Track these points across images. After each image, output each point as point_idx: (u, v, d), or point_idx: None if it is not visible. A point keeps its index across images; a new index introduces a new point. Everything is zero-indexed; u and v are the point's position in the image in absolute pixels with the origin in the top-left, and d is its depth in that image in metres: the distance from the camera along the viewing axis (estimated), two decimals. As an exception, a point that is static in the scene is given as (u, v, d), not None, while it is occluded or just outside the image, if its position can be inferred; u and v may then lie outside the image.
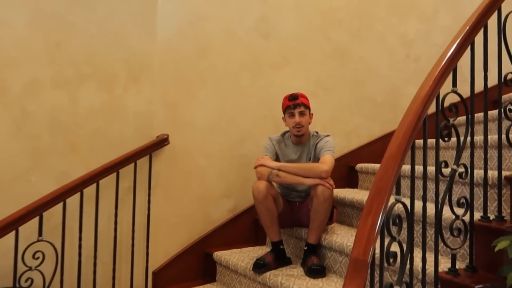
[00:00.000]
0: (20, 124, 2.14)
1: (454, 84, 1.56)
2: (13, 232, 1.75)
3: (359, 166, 2.86)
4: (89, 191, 2.08)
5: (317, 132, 2.36)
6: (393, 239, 1.23)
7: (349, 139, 3.02)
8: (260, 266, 2.07)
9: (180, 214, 2.45)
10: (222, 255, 2.37)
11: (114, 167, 2.13)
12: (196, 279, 2.44)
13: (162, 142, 2.33)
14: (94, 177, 2.04)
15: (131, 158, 2.20)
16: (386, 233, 1.22)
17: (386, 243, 1.21)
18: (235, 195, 2.65)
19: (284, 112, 2.33)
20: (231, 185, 2.64)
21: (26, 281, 1.77)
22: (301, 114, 2.25)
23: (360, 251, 1.04)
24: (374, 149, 3.05)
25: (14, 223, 1.73)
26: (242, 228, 2.61)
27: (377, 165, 2.71)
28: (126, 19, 2.35)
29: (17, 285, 1.76)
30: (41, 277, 1.83)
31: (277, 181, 2.18)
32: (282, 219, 2.24)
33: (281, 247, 2.17)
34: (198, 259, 2.47)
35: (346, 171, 2.92)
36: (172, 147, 2.40)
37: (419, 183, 2.03)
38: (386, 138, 3.07)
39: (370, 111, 3.11)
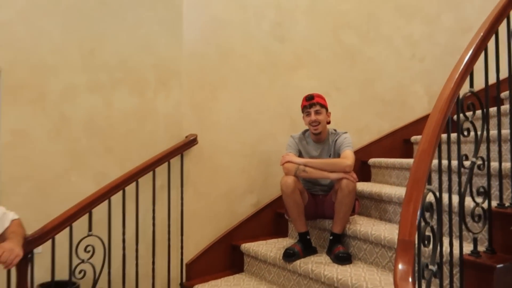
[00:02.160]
0: (59, 128, 2.27)
1: (471, 85, 1.72)
2: (67, 229, 1.88)
3: (372, 160, 3.03)
4: (129, 189, 2.21)
5: (335, 130, 2.52)
6: (427, 224, 1.39)
7: (361, 136, 3.19)
8: (290, 255, 2.23)
9: (209, 209, 2.60)
10: (250, 247, 2.53)
11: (150, 166, 2.27)
12: (225, 270, 2.59)
13: (191, 142, 2.48)
14: (134, 176, 2.18)
15: (165, 158, 2.34)
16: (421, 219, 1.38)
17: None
18: (258, 190, 2.80)
19: (302, 111, 2.49)
20: (253, 181, 2.79)
21: (79, 272, 1.91)
22: (317, 112, 2.41)
23: (406, 233, 1.20)
24: (383, 145, 3.23)
25: (68, 220, 1.86)
26: (265, 221, 2.77)
27: (389, 160, 2.89)
28: (154, 27, 2.48)
29: (73, 277, 1.90)
30: (92, 269, 1.96)
31: (304, 176, 2.34)
32: (307, 212, 2.40)
33: (307, 237, 2.34)
34: (226, 251, 2.62)
35: (358, 166, 3.09)
36: (200, 146, 2.54)
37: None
38: (395, 134, 3.26)
39: (380, 109, 3.28)
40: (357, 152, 3.11)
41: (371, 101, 3.26)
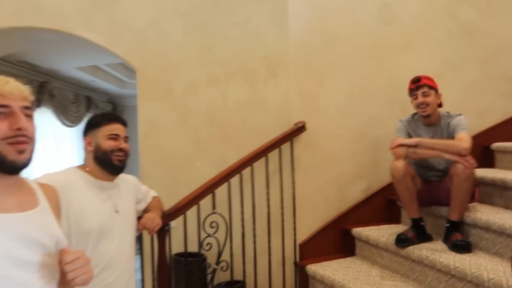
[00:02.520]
0: (185, 119, 2.57)
1: None
2: (195, 207, 2.14)
3: (496, 145, 2.79)
4: (245, 173, 2.40)
5: (448, 112, 2.38)
6: None
7: (482, 119, 2.95)
8: (402, 241, 2.20)
9: (319, 194, 2.68)
10: (361, 231, 2.54)
11: (263, 152, 2.43)
12: (336, 253, 2.65)
13: (300, 129, 2.57)
14: (249, 161, 2.36)
15: (276, 144, 2.48)
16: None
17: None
18: (368, 176, 2.79)
19: (409, 95, 2.40)
20: (363, 167, 2.79)
21: (206, 245, 2.17)
22: (424, 94, 2.30)
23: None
24: (510, 128, 2.93)
25: (196, 199, 2.12)
26: (376, 207, 2.75)
27: (517, 143, 2.63)
28: (262, 20, 2.63)
29: (201, 249, 2.16)
30: (216, 242, 2.20)
31: (414, 158, 2.27)
32: (420, 198, 2.32)
33: (421, 223, 2.27)
34: (336, 235, 2.68)
35: (479, 151, 2.86)
36: (308, 133, 2.63)
37: None
38: (524, 116, 2.94)
39: (504, 88, 2.98)
40: (477, 137, 2.90)
41: (494, 80, 2.98)
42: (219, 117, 2.59)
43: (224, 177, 2.25)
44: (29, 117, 1.01)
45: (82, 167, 1.59)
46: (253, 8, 2.61)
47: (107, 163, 1.54)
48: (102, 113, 1.72)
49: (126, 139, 1.59)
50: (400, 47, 2.88)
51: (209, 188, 2.18)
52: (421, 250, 2.11)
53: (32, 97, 1.04)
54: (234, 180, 2.33)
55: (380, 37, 2.84)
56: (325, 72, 2.73)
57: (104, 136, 1.55)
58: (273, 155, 2.51)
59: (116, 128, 1.57)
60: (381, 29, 2.84)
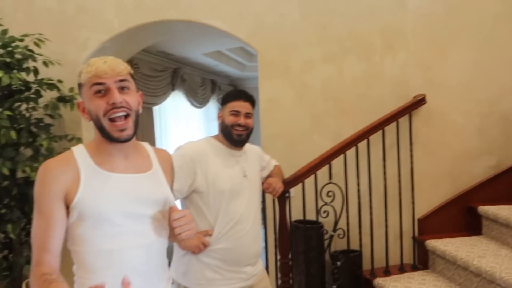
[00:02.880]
0: (302, 95, 2.70)
1: None
2: (313, 176, 2.28)
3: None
4: (361, 146, 2.45)
5: None
6: None
7: None
8: (538, 219, 2.02)
9: (440, 169, 2.58)
10: (489, 209, 2.39)
11: (379, 126, 2.43)
12: (459, 231, 2.55)
13: (419, 102, 2.50)
14: (365, 134, 2.40)
15: (393, 118, 2.46)
16: None
17: None
18: (497, 152, 2.59)
19: None
20: (492, 142, 2.59)
21: (324, 213, 2.30)
22: None
23: None
24: None
25: (313, 169, 2.25)
26: (507, 185, 2.55)
27: None
28: (379, -8, 2.59)
29: (318, 217, 2.30)
30: (333, 211, 2.32)
31: None
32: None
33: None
34: (460, 212, 2.56)
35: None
36: (428, 106, 2.54)
37: None
38: None
39: None
40: None
41: None
42: (335, 92, 2.66)
43: (340, 149, 2.33)
44: (126, 88, 1.10)
45: (216, 136, 1.83)
46: (369, -19, 2.59)
47: (228, 136, 1.74)
48: (233, 90, 1.92)
49: (248, 115, 1.75)
50: (541, 8, 2.56)
51: (326, 159, 2.29)
52: (562, 230, 1.92)
53: (127, 71, 1.11)
54: (350, 153, 2.39)
55: (514, -2, 2.56)
56: (447, 42, 2.58)
57: (228, 111, 1.75)
58: (390, 128, 2.49)
59: (238, 105, 1.74)
60: (517, -11, 2.56)
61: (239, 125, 1.72)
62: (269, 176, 2.00)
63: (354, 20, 2.62)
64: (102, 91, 1.07)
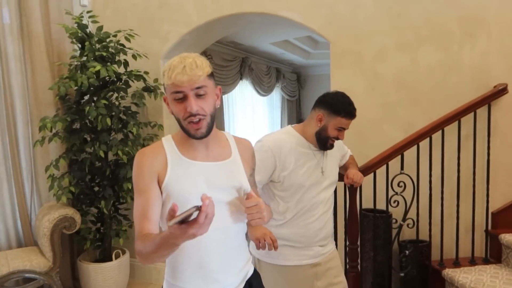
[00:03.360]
0: (373, 84, 2.72)
1: None
2: (384, 166, 2.33)
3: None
4: (435, 137, 2.43)
5: None
6: None
7: None
8: None
9: (520, 162, 2.50)
10: None
11: (455, 116, 2.40)
12: (537, 226, 2.46)
13: (500, 91, 2.42)
14: (440, 125, 2.38)
15: (471, 108, 2.41)
16: None
17: None
18: None
19: None
20: None
21: (394, 202, 2.34)
22: None
23: None
24: None
25: (385, 159, 2.30)
26: None
27: None
28: (460, -22, 2.50)
29: (388, 206, 2.35)
30: (403, 201, 2.35)
31: None
32: None
33: None
34: (539, 207, 2.47)
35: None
36: (510, 96, 2.44)
37: None
38: None
39: None
40: None
41: None
42: (408, 82, 2.64)
43: (413, 140, 2.34)
44: (202, 95, 1.17)
45: (299, 128, 1.87)
46: (449, -34, 2.51)
47: (323, 144, 1.80)
48: (345, 102, 1.83)
49: (345, 130, 1.82)
50: None
51: (398, 150, 2.31)
52: None
53: (205, 75, 1.17)
54: (423, 144, 2.40)
55: None
56: (535, 27, 2.44)
57: (334, 125, 1.78)
58: (467, 119, 2.45)
59: (347, 123, 1.80)
60: None
61: (337, 138, 1.80)
62: (345, 165, 2.07)
63: (431, 7, 2.56)
64: (181, 98, 1.17)
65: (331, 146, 1.83)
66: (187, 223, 0.93)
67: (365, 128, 2.72)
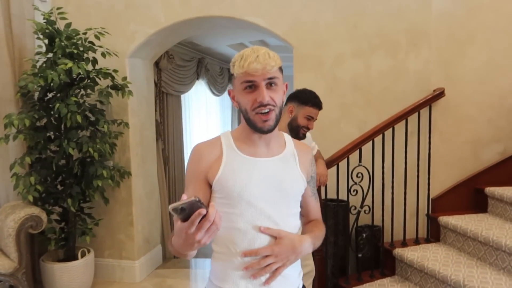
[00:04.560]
0: (332, 87, 3.02)
1: None
2: (345, 159, 2.62)
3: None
4: (387, 133, 2.77)
5: None
6: None
7: None
8: (540, 198, 2.38)
9: (453, 154, 2.93)
10: (495, 190, 2.75)
11: (403, 116, 2.76)
12: (467, 209, 2.91)
13: (438, 95, 2.82)
14: (390, 123, 2.73)
15: (415, 109, 2.79)
16: None
17: None
18: (505, 140, 2.93)
19: None
20: (500, 131, 2.93)
21: (353, 191, 2.65)
22: None
23: None
24: None
25: (346, 153, 2.59)
26: (512, 170, 2.90)
27: None
28: (406, -5, 2.87)
29: (349, 195, 2.65)
30: (361, 190, 2.67)
31: None
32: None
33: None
34: (469, 193, 2.92)
35: None
36: (446, 98, 2.86)
37: None
38: None
39: None
40: None
41: None
42: (362, 85, 2.97)
43: (369, 136, 2.67)
44: (274, 85, 1.15)
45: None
46: (397, -16, 2.87)
47: (295, 132, 2.08)
48: (311, 94, 2.14)
49: (314, 120, 2.11)
50: (551, 11, 2.86)
51: (357, 145, 2.62)
52: (559, 208, 2.28)
53: (277, 66, 1.16)
54: (377, 139, 2.73)
55: (527, 1, 2.86)
56: (466, 40, 2.89)
57: (303, 114, 2.08)
58: (412, 118, 2.82)
59: (315, 112, 2.11)
60: (529, -6, 2.85)
61: (308, 127, 2.06)
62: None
63: (382, 20, 2.91)
64: (252, 86, 1.14)
65: (304, 136, 2.08)
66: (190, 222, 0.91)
67: (326, 126, 3.01)
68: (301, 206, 1.28)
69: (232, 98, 1.23)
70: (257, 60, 1.12)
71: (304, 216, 1.34)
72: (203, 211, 0.90)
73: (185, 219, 0.91)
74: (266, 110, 1.14)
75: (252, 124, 1.17)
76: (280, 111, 1.18)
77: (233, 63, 1.17)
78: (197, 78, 5.07)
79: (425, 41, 2.88)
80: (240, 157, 1.19)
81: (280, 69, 1.19)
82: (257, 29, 3.26)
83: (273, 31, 3.06)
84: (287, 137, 1.32)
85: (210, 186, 1.19)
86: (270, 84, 1.14)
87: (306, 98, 2.09)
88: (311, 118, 2.09)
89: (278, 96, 1.16)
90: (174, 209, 0.89)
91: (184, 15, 3.16)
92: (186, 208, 0.89)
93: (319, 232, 1.29)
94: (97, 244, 3.41)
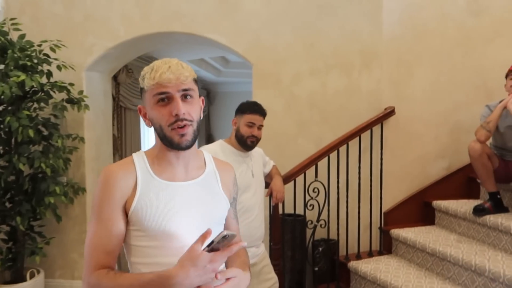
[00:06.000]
0: (290, 104, 3.11)
1: None
2: (302, 175, 2.69)
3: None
4: (341, 149, 2.88)
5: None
6: None
7: None
8: (479, 210, 2.55)
9: (404, 170, 3.08)
10: (441, 203, 2.92)
11: (357, 133, 2.88)
12: (417, 222, 3.06)
13: (389, 113, 2.98)
14: (345, 140, 2.84)
15: (368, 126, 2.92)
16: None
17: None
18: (450, 156, 3.13)
19: (506, 77, 2.64)
20: (446, 147, 3.13)
21: (309, 206, 2.72)
22: None
23: None
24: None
25: (303, 168, 2.67)
26: (456, 184, 3.09)
27: None
28: (359, 19, 3.03)
29: (306, 210, 2.72)
30: (317, 204, 2.75)
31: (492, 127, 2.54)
32: (497, 175, 2.62)
33: (498, 196, 2.59)
34: (418, 206, 3.08)
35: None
36: (396, 117, 3.02)
37: None
38: None
39: None
40: None
41: None
42: (319, 103, 3.08)
43: (325, 152, 2.76)
44: (189, 97, 1.06)
45: (227, 139, 2.20)
46: (352, 8, 3.02)
47: (243, 143, 2.13)
48: (250, 103, 2.24)
49: (260, 127, 2.16)
50: (487, 37, 3.12)
51: (313, 160, 2.71)
52: (497, 218, 2.46)
53: (191, 77, 1.07)
54: (332, 155, 2.83)
55: (467, 28, 3.11)
56: (414, 62, 3.08)
57: (244, 122, 2.13)
58: (365, 135, 2.95)
59: (254, 118, 2.14)
60: (469, 21, 3.11)
61: (253, 135, 2.10)
62: (269, 174, 2.38)
63: (337, 40, 3.05)
64: (165, 99, 1.04)
65: (252, 143, 2.13)
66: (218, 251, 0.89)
67: (283, 142, 3.09)
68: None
69: (144, 115, 1.12)
70: (170, 70, 1.04)
71: None
72: (243, 243, 0.92)
73: (212, 250, 0.90)
74: (182, 125, 1.04)
75: (168, 141, 1.06)
76: (198, 128, 1.09)
77: (143, 76, 1.08)
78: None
79: (377, 62, 3.04)
80: (157, 182, 1.08)
81: (195, 81, 1.11)
82: (218, 46, 3.31)
83: (233, 49, 3.12)
84: (207, 155, 1.23)
85: (126, 216, 1.06)
86: (185, 96, 1.06)
87: (245, 107, 2.16)
88: (252, 125, 2.12)
89: (195, 111, 1.07)
90: (224, 237, 0.89)
91: (144, 30, 3.16)
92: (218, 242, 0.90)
93: (246, 258, 1.21)
94: (48, 264, 3.26)
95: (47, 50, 2.90)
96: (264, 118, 2.17)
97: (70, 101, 3.03)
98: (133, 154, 1.14)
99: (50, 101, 2.99)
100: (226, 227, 1.21)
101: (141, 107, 1.13)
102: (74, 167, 3.26)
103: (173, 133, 1.05)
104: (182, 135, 1.05)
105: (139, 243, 1.06)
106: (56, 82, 2.91)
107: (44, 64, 2.88)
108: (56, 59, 2.91)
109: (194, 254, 0.92)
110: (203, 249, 0.88)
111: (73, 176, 3.25)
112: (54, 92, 2.97)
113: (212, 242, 0.88)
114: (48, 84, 2.91)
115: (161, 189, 1.07)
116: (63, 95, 3.06)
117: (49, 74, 2.92)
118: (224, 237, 0.88)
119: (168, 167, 1.11)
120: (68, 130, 3.27)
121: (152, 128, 1.12)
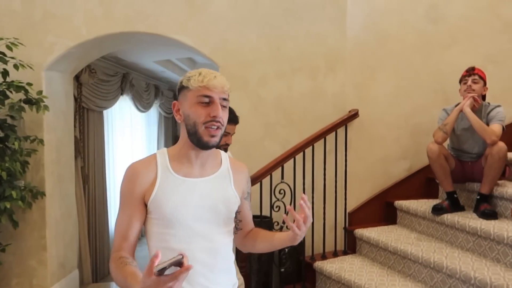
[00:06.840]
0: (257, 106, 3.12)
1: None
2: (269, 176, 2.71)
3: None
4: (307, 151, 2.92)
5: (488, 103, 2.75)
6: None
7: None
8: (438, 210, 2.66)
9: (367, 171, 3.16)
10: (402, 203, 3.01)
11: (322, 135, 2.93)
12: (380, 221, 3.14)
13: (353, 116, 3.05)
14: (310, 142, 2.88)
15: (333, 128, 2.98)
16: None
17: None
18: (410, 157, 3.24)
19: (460, 82, 2.78)
20: (406, 149, 3.23)
21: (276, 207, 2.73)
22: (474, 81, 2.68)
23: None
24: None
25: (269, 170, 2.68)
26: (416, 184, 3.20)
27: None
28: (324, 23, 3.09)
29: (272, 211, 2.73)
30: (283, 206, 2.76)
31: (446, 130, 2.66)
32: (454, 176, 2.74)
33: (455, 195, 2.71)
34: (381, 206, 3.16)
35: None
36: (360, 119, 3.09)
37: None
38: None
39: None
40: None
41: (533, 73, 3.28)
42: (285, 105, 3.11)
43: (291, 154, 2.79)
44: (225, 107, 1.21)
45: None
46: (317, 13, 3.08)
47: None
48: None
49: (231, 135, 2.15)
50: (445, 44, 3.26)
51: (280, 162, 2.73)
52: (454, 217, 2.56)
53: (229, 90, 1.23)
54: (298, 157, 2.86)
55: (426, 35, 3.23)
56: (376, 66, 3.17)
57: None
58: (330, 137, 3.00)
59: (228, 127, 2.10)
60: (428, 28, 3.23)
61: (226, 143, 2.11)
62: None
63: (303, 44, 3.09)
64: (208, 102, 1.18)
65: (225, 151, 2.11)
66: (166, 276, 0.93)
67: (250, 144, 3.09)
68: (239, 220, 1.39)
69: (176, 111, 1.25)
70: (216, 79, 1.19)
71: (243, 228, 1.44)
72: (190, 266, 0.93)
73: (161, 273, 0.93)
74: (216, 126, 1.19)
75: (198, 138, 1.20)
76: (222, 132, 1.23)
77: (189, 77, 1.21)
78: (121, 94, 4.92)
79: (341, 65, 3.11)
80: (174, 178, 1.23)
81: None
82: (184, 47, 3.28)
83: (199, 50, 3.10)
84: (224, 155, 1.36)
85: (146, 205, 1.23)
86: (223, 104, 1.21)
87: None
88: (227, 134, 2.13)
89: (226, 118, 1.23)
90: (161, 270, 0.91)
91: (108, 29, 3.08)
92: (168, 267, 0.92)
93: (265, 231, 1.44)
94: (3, 273, 3.11)
95: (3, 48, 2.77)
96: (235, 125, 2.17)
97: (28, 101, 2.91)
98: (157, 152, 1.29)
99: (7, 101, 2.87)
100: (243, 217, 1.40)
101: (176, 102, 1.26)
102: (33, 170, 3.13)
103: (205, 131, 1.19)
104: (213, 136, 1.19)
105: (156, 229, 1.23)
106: (13, 81, 2.79)
107: (0, 63, 2.75)
108: (13, 58, 2.79)
109: (147, 280, 0.95)
110: (155, 273, 0.92)
111: (32, 180, 3.12)
112: (11, 92, 2.84)
113: (164, 268, 0.93)
114: (4, 83, 2.78)
115: (177, 184, 1.22)
116: (21, 95, 2.94)
117: (5, 73, 2.79)
118: (176, 261, 0.94)
119: (186, 164, 1.25)
120: (26, 131, 3.13)
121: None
